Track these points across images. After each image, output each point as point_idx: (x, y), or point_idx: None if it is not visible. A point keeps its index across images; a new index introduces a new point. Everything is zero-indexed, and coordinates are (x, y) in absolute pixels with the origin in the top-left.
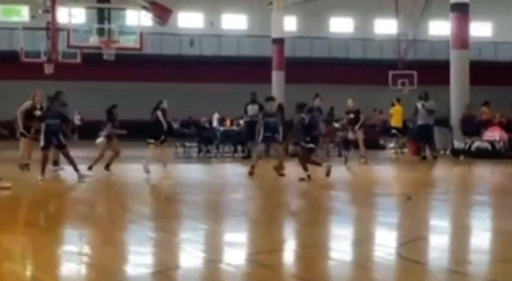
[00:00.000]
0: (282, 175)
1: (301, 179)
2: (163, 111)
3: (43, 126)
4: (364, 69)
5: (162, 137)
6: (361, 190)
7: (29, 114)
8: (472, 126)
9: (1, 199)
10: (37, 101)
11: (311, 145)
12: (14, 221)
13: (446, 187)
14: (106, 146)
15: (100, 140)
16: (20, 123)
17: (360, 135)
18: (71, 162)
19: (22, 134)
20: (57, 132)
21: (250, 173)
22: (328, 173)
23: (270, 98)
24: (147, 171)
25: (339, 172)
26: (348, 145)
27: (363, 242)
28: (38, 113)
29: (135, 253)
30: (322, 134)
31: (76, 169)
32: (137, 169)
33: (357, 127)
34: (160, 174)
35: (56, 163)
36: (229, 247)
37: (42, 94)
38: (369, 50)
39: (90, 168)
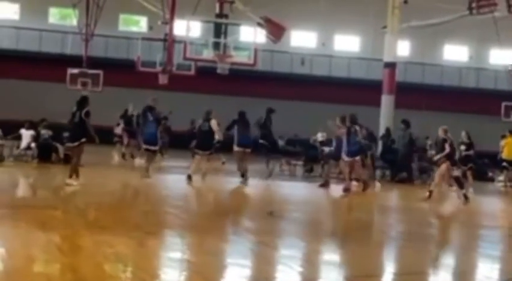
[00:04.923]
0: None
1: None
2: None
3: None
4: (476, 99)
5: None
6: (467, 221)
7: None
8: None
9: (107, 201)
10: None
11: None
12: (122, 224)
13: None
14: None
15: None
16: None
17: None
18: None
19: None
20: None
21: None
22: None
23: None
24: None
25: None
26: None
27: (466, 273)
28: None
29: (237, 264)
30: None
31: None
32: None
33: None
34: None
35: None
36: (328, 267)
37: None
38: (482, 80)
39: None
